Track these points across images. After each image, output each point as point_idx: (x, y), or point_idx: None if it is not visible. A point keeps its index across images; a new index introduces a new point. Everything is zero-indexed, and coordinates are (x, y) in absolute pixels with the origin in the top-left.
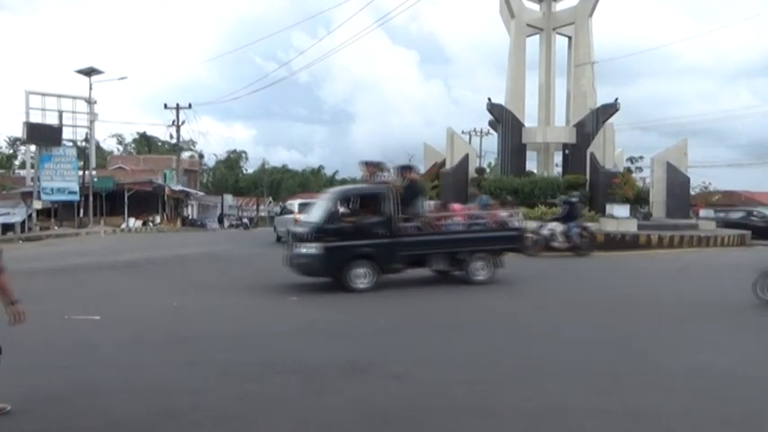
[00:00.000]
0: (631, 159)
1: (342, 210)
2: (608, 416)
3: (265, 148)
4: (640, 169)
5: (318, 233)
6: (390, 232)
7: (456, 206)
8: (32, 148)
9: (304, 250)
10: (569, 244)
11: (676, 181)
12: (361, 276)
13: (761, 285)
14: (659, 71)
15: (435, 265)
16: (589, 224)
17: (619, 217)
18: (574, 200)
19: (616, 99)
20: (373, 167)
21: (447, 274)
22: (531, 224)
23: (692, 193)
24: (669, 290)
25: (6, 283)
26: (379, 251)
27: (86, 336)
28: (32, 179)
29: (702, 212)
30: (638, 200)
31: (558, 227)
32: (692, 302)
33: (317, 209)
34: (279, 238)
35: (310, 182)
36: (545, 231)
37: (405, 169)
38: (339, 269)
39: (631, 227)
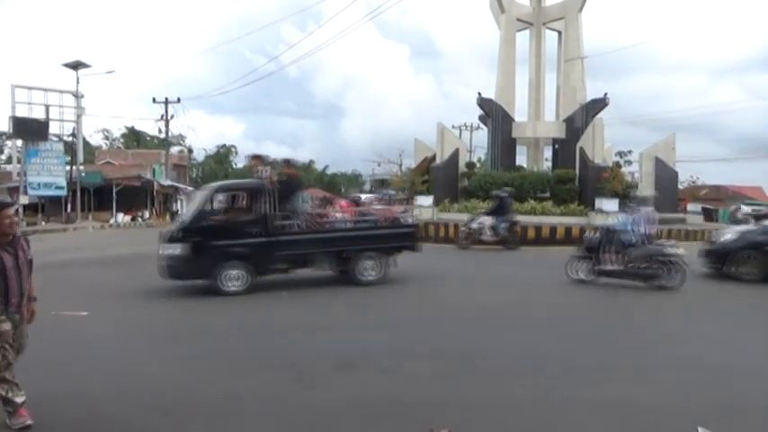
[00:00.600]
0: (620, 154)
1: (217, 207)
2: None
3: (255, 143)
4: (629, 163)
5: (185, 232)
6: (266, 231)
7: (342, 202)
8: (19, 142)
9: (169, 251)
10: (497, 238)
11: (664, 175)
12: (235, 279)
13: (570, 266)
14: (649, 66)
15: (319, 265)
16: (519, 218)
17: (608, 211)
18: (503, 195)
19: (605, 94)
20: (257, 161)
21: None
22: (463, 217)
23: (680, 187)
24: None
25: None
26: (253, 251)
27: (74, 332)
28: (19, 174)
29: (690, 207)
30: (627, 194)
31: (487, 221)
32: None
33: (189, 206)
34: None
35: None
36: (475, 225)
37: (283, 163)
38: (208, 271)
39: None
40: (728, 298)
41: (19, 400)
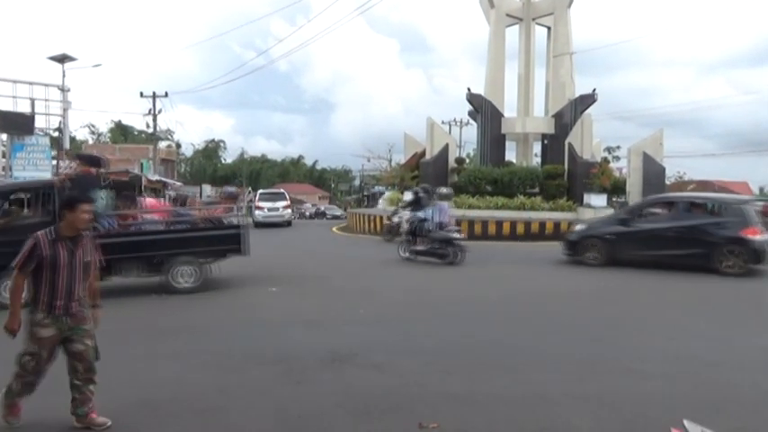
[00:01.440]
0: (608, 149)
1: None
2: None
3: (245, 138)
4: (617, 159)
5: None
6: None
7: (150, 201)
8: (3, 136)
9: None
10: None
11: (652, 171)
12: None
13: (400, 247)
14: (639, 62)
15: (126, 271)
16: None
17: (596, 206)
18: (417, 190)
19: (594, 90)
20: (65, 154)
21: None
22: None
23: (668, 182)
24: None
25: (96, 284)
26: None
27: None
28: (3, 169)
29: None
30: (616, 189)
31: (405, 215)
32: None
33: None
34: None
35: (290, 172)
36: (396, 219)
37: (79, 160)
38: None
39: None
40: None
41: (21, 402)
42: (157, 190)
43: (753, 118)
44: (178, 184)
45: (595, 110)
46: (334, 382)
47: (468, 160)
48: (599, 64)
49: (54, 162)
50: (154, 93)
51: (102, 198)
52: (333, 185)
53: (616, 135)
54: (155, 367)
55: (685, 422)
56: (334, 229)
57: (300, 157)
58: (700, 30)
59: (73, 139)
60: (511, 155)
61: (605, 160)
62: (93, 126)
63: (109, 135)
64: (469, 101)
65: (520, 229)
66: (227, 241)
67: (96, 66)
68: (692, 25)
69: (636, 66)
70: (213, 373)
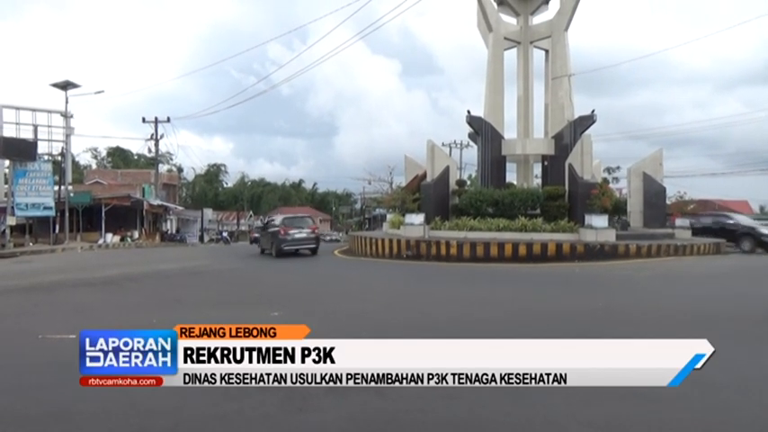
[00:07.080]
0: (608, 170)
1: None
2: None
3: (247, 161)
4: (617, 180)
5: None
6: None
7: None
8: (6, 162)
9: None
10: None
11: (652, 190)
12: None
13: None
14: (652, 80)
15: None
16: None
17: (597, 227)
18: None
19: (593, 111)
20: None
21: None
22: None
23: (668, 202)
24: None
25: None
26: None
27: (61, 356)
28: (6, 195)
29: (678, 221)
30: (616, 210)
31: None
32: None
33: None
34: (262, 251)
35: (291, 195)
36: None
37: None
38: None
39: (610, 237)
40: None
41: None
42: (158, 214)
43: (764, 135)
44: (180, 208)
45: (606, 130)
46: (337, 409)
47: (469, 182)
48: (609, 83)
49: (56, 188)
50: (156, 118)
51: None
52: (334, 209)
53: (628, 155)
54: (153, 395)
55: None
56: (335, 252)
57: (301, 181)
58: (714, 48)
59: (75, 164)
60: (511, 176)
61: (605, 181)
62: (96, 150)
63: (109, 160)
64: (469, 123)
65: (522, 250)
66: None
67: (99, 92)
68: (707, 43)
69: (648, 84)
70: (213, 400)
